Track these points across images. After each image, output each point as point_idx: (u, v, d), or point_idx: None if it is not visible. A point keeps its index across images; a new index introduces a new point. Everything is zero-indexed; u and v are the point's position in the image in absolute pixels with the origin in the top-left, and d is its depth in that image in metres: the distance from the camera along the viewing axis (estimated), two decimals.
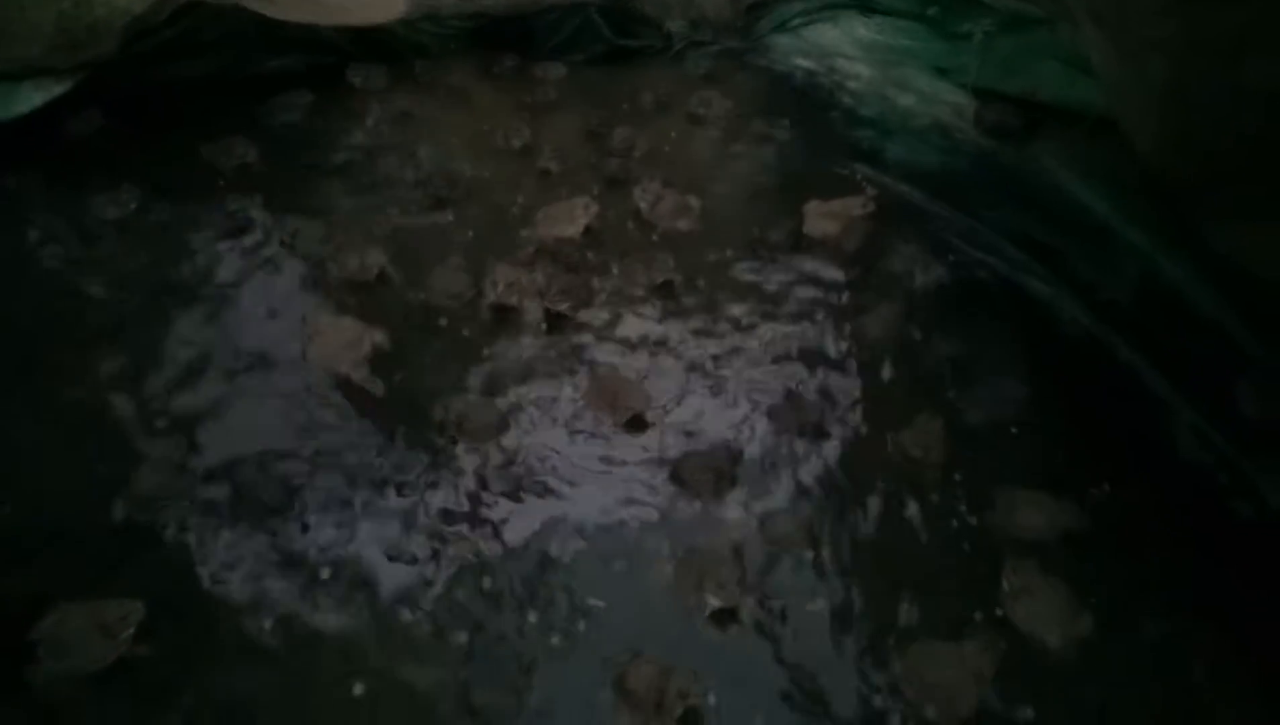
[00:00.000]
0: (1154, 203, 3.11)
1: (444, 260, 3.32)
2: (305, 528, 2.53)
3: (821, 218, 3.59)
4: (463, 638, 2.35)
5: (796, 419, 2.88)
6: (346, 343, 3.02)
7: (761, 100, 4.24)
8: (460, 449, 2.76)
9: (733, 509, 2.67)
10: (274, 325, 3.10)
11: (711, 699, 2.23)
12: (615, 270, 3.36)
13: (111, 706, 2.16)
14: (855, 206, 3.60)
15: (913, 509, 2.69)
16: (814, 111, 4.14)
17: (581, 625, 2.40)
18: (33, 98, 3.40)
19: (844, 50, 4.24)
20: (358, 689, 2.23)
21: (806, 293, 3.36)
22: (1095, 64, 3.02)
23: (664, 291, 3.29)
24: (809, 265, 3.46)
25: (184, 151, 3.65)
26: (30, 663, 2.18)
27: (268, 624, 2.34)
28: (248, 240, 3.37)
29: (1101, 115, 3.21)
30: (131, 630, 2.23)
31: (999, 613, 2.45)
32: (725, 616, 2.41)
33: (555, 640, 2.36)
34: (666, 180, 3.71)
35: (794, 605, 2.46)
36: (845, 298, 3.34)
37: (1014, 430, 2.92)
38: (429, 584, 2.45)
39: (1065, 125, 3.55)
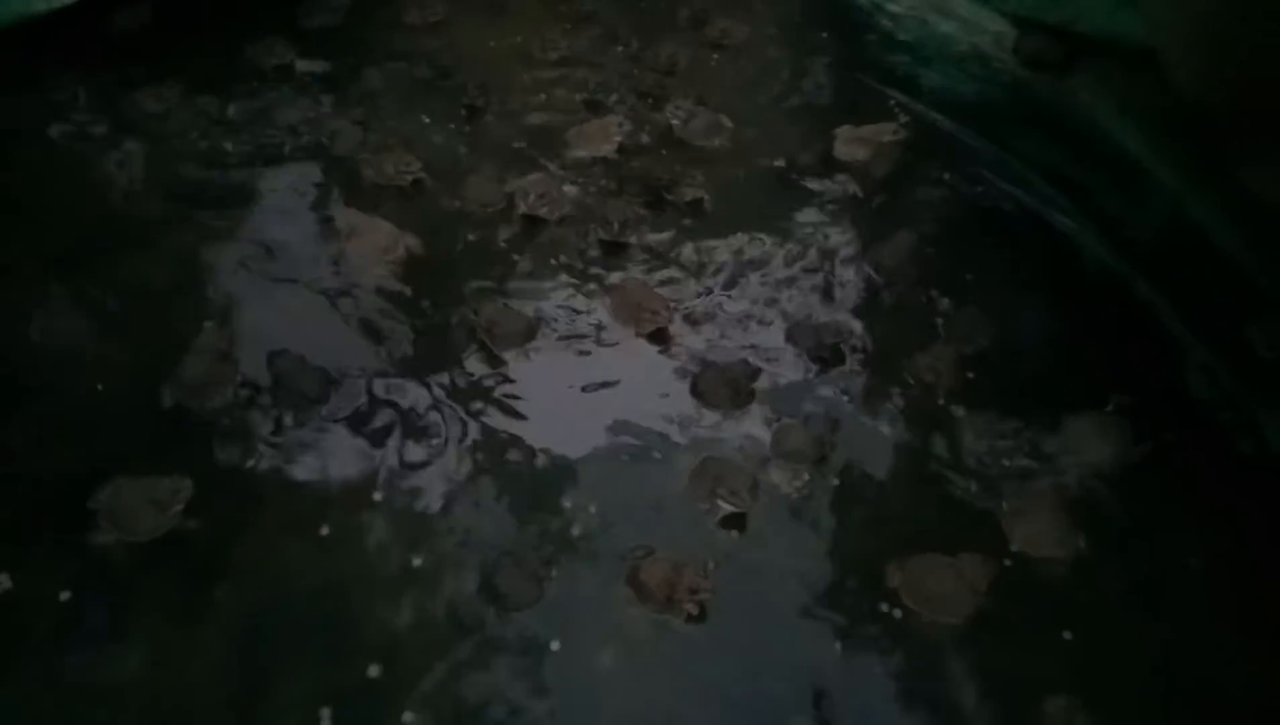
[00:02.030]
0: (1187, 139, 3.11)
1: (478, 169, 3.39)
2: (345, 418, 2.67)
3: (852, 142, 3.61)
4: (489, 527, 2.50)
5: (814, 339, 2.97)
6: (381, 246, 3.10)
7: (800, 20, 4.21)
8: (489, 353, 2.87)
9: (748, 422, 2.78)
10: (311, 226, 3.20)
11: (719, 595, 2.37)
12: (645, 186, 3.41)
13: (165, 573, 2.34)
14: (886, 132, 3.61)
15: (921, 430, 2.79)
16: (851, 33, 4.10)
17: (599, 523, 2.53)
18: None
19: None
20: (388, 568, 2.40)
21: (833, 216, 3.41)
22: None
23: (693, 209, 3.35)
24: (837, 188, 3.50)
25: (227, 50, 3.70)
26: (91, 529, 2.36)
27: (308, 507, 2.50)
28: (287, 141, 3.45)
29: (1141, 47, 3.18)
30: (181, 505, 2.39)
31: (998, 531, 2.56)
32: (735, 521, 2.54)
33: (575, 534, 2.50)
34: (700, 98, 3.74)
35: (801, 514, 2.59)
36: (870, 222, 3.39)
37: (1027, 361, 3.00)
38: (460, 477, 2.59)
39: (1104, 57, 3.51)
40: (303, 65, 3.73)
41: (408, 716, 2.15)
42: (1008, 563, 2.49)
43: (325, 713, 2.14)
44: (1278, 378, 2.80)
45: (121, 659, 2.20)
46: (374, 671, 2.21)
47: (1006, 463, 2.73)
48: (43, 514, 2.42)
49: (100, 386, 2.69)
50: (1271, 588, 2.50)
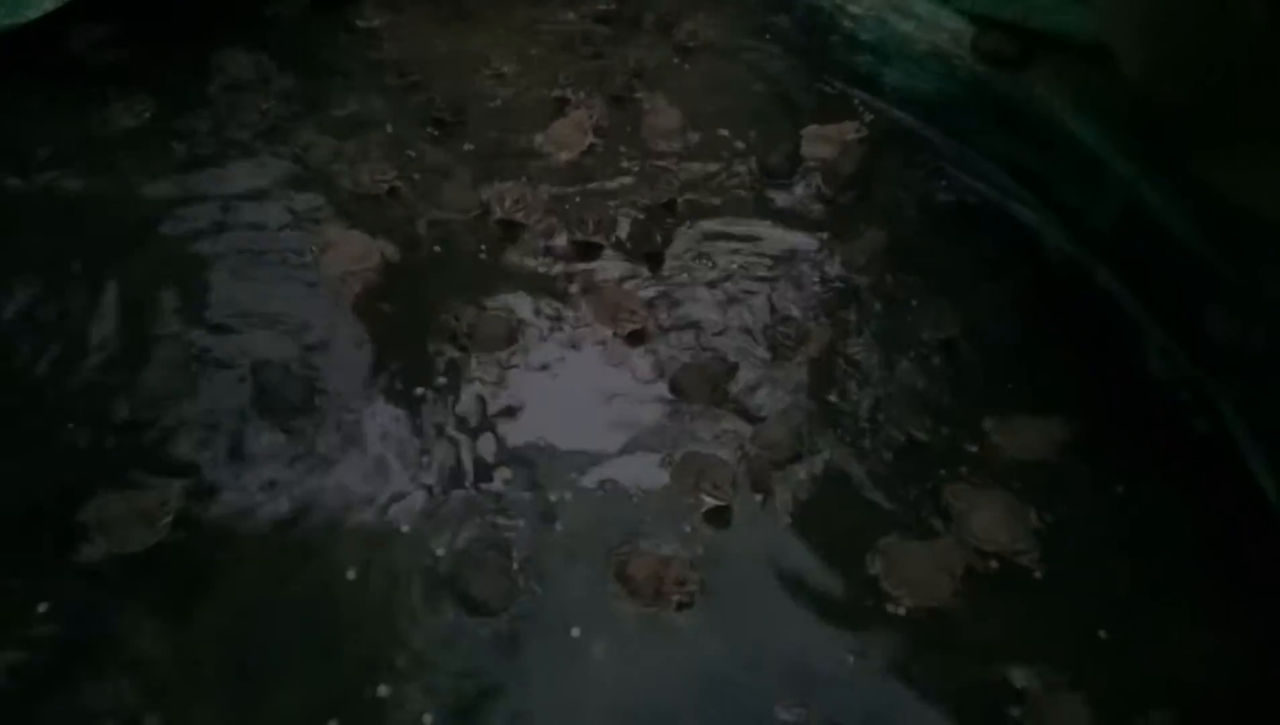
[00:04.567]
0: (1140, 131, 3.21)
1: (452, 176, 3.42)
2: (328, 427, 2.70)
3: (818, 141, 3.69)
4: (474, 528, 2.55)
5: (789, 336, 3.04)
6: (357, 255, 3.13)
7: (764, 22, 4.28)
8: (471, 357, 2.92)
9: (727, 416, 2.85)
10: (287, 236, 3.21)
11: (706, 587, 2.44)
12: (619, 188, 3.47)
13: (154, 584, 2.36)
14: (850, 131, 3.70)
15: (892, 421, 2.88)
16: (815, 35, 4.17)
17: (585, 520, 2.60)
18: (44, 3, 3.39)
19: None
20: (370, 576, 2.44)
21: (802, 214, 3.49)
22: None
23: (666, 209, 3.40)
24: (805, 187, 3.58)
25: (195, 62, 3.68)
26: (81, 542, 2.37)
27: (290, 517, 2.53)
28: (260, 152, 3.45)
29: (1092, 42, 3.29)
30: (170, 518, 2.41)
31: (965, 516, 2.65)
32: (719, 513, 2.61)
33: (561, 531, 2.56)
34: (669, 99, 3.79)
35: (782, 505, 2.66)
36: (839, 219, 3.47)
37: (994, 351, 3.10)
38: (443, 481, 2.64)
39: (1058, 53, 3.61)
40: (271, 75, 3.72)
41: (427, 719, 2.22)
42: (979, 546, 2.58)
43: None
44: (1231, 359, 2.91)
45: (111, 672, 2.22)
46: (368, 679, 2.26)
47: (972, 447, 2.83)
48: (25, 527, 2.43)
49: (73, 401, 2.69)
50: (1231, 561, 2.62)
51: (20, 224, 3.12)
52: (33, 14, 3.39)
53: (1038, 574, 2.56)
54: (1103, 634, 2.48)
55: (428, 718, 2.22)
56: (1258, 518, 2.70)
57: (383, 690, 2.24)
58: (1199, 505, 2.72)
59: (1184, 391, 3.00)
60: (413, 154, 3.52)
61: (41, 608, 2.29)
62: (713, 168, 3.62)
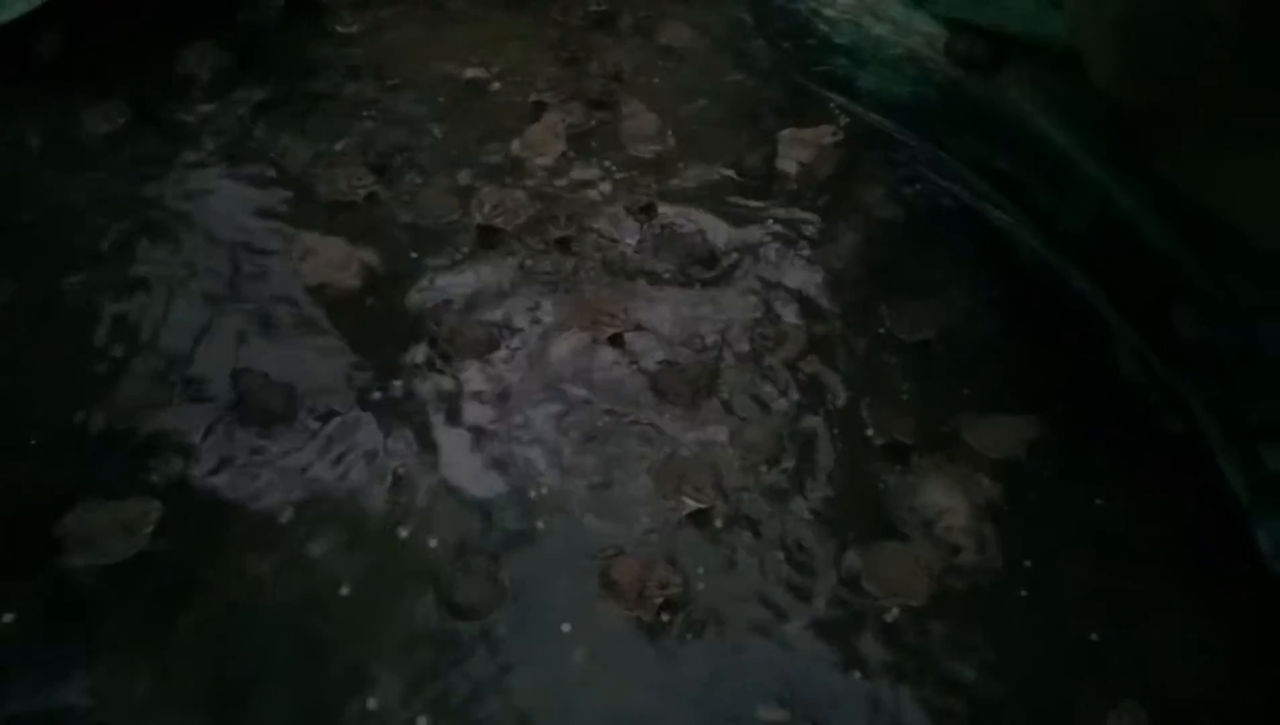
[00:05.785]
0: (1111, 135, 3.26)
1: (431, 181, 3.42)
2: (309, 435, 2.69)
3: (794, 145, 3.71)
4: (458, 533, 2.56)
5: (768, 337, 3.07)
6: (336, 262, 3.12)
7: (739, 26, 4.30)
8: (452, 363, 2.92)
9: (708, 419, 2.87)
10: (265, 244, 3.19)
11: (689, 590, 2.47)
12: (597, 193, 3.48)
13: (135, 596, 2.35)
14: (826, 134, 3.71)
15: (869, 422, 2.91)
16: (790, 38, 4.20)
17: (569, 525, 2.61)
18: (15, 6, 3.35)
19: None
20: (355, 584, 2.45)
21: (779, 217, 3.51)
22: None
23: (645, 214, 3.42)
24: (782, 190, 3.61)
25: (165, 68, 3.66)
26: (59, 554, 2.36)
27: (272, 525, 2.53)
28: (236, 158, 3.43)
29: (1066, 47, 3.33)
30: (151, 528, 2.41)
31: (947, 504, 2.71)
32: (701, 516, 2.63)
33: (544, 535, 2.58)
34: (645, 103, 3.81)
35: (763, 507, 2.69)
36: (815, 223, 3.50)
37: (969, 352, 3.14)
38: (425, 487, 2.64)
39: (1032, 57, 3.66)
40: (247, 80, 3.71)
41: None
42: (960, 544, 2.62)
43: None
44: (1202, 359, 2.96)
45: (87, 685, 2.21)
46: (356, 689, 2.26)
47: (947, 445, 2.86)
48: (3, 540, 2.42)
49: (52, 408, 2.68)
50: (1201, 561, 2.68)
51: None
52: (4, 16, 3.36)
53: (1010, 574, 2.61)
54: (1088, 636, 2.52)
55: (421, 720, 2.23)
56: (1228, 518, 2.75)
57: (372, 703, 2.24)
58: (1170, 505, 2.77)
59: (1155, 392, 3.05)
60: (389, 159, 3.50)
61: (8, 618, 2.28)
62: (690, 171, 3.63)
